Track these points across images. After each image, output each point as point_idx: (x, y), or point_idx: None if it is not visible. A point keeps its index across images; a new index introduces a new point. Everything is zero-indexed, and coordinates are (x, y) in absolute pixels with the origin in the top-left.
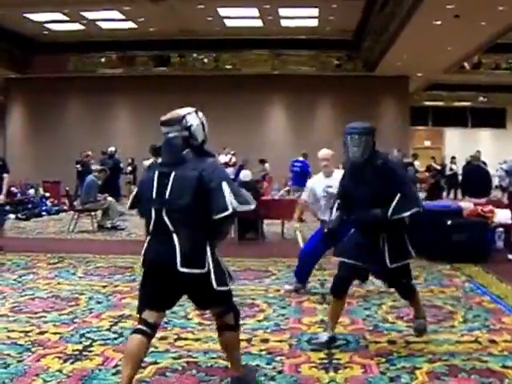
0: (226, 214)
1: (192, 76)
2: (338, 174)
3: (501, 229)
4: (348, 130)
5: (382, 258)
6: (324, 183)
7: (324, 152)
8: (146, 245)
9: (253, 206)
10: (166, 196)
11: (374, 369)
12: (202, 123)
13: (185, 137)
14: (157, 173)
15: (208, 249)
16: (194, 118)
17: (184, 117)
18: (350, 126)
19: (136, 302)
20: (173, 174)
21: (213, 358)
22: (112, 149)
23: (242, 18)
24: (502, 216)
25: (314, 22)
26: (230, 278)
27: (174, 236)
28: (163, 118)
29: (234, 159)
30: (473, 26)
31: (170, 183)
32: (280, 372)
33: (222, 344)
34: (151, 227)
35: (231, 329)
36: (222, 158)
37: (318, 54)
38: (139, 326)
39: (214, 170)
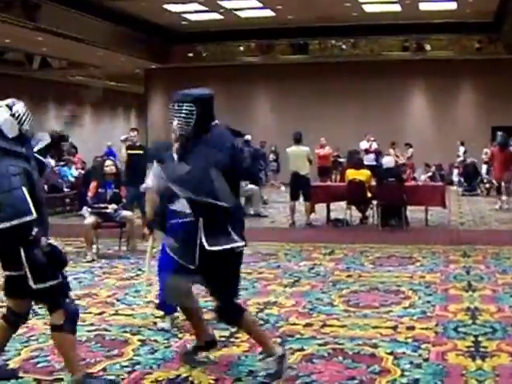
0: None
1: (330, 63)
2: None
3: None
4: None
5: None
6: None
7: None
8: None
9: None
10: None
11: None
12: (18, 117)
13: None
14: None
15: (22, 251)
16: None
17: None
18: None
19: (280, 289)
20: None
21: (359, 344)
22: (248, 137)
23: (380, 3)
24: None
25: (453, 5)
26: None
27: None
28: None
29: (374, 145)
30: None
31: None
32: (426, 360)
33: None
34: None
35: (57, 329)
36: (363, 145)
37: (458, 38)
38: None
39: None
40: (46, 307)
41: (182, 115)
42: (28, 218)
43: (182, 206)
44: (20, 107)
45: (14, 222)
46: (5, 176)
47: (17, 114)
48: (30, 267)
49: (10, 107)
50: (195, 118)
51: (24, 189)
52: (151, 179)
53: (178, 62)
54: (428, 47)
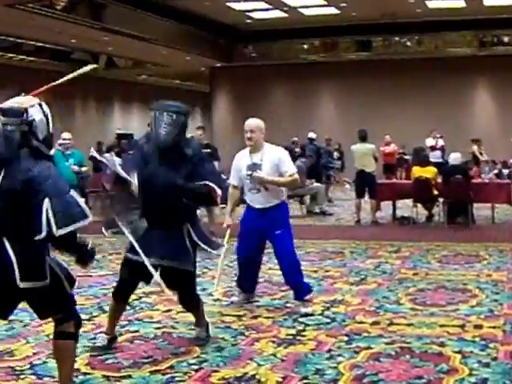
0: (40, 237)
1: (394, 59)
2: None
3: None
4: None
5: None
6: None
7: None
8: None
9: (82, 222)
10: None
11: None
12: (47, 117)
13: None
14: None
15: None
16: (37, 111)
17: (26, 110)
18: None
19: (346, 287)
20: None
21: (426, 343)
22: (312, 135)
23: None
24: None
25: None
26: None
27: (6, 244)
28: (2, 106)
29: (440, 142)
30: None
31: None
32: (494, 359)
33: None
34: None
35: (71, 337)
36: (429, 142)
37: None
38: None
39: (44, 181)
40: (61, 314)
41: (173, 125)
42: (86, 222)
43: None
44: (46, 106)
45: (71, 228)
46: (57, 177)
47: (46, 113)
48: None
49: (41, 106)
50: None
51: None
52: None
53: (243, 60)
54: (494, 43)
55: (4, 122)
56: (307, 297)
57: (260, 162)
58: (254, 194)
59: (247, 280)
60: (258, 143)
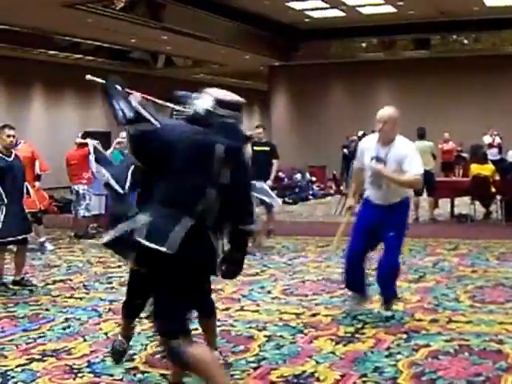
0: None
1: (452, 58)
2: None
3: None
4: None
5: None
6: None
7: None
8: None
9: None
10: None
11: None
12: None
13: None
14: None
15: None
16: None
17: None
18: None
19: (405, 285)
20: None
21: (485, 340)
22: (361, 132)
23: None
24: None
25: None
26: None
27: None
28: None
29: (497, 140)
30: None
31: None
32: None
33: None
34: None
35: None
36: (486, 139)
37: None
38: None
39: None
40: None
41: None
42: None
43: None
44: None
45: None
46: None
47: None
48: None
49: None
50: None
51: None
52: None
53: (301, 59)
54: None
55: (224, 114)
56: (392, 302)
57: (385, 156)
58: (374, 188)
59: (357, 277)
60: (389, 136)
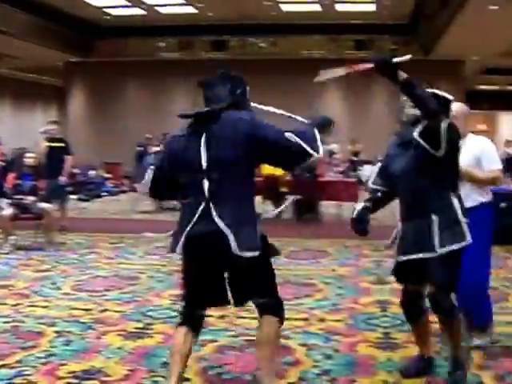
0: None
1: (250, 60)
2: None
3: None
4: None
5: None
6: None
7: None
8: None
9: None
10: None
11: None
12: None
13: None
14: None
15: None
16: None
17: None
18: None
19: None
20: None
21: None
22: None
23: (298, 3)
24: None
25: (372, 7)
26: None
27: None
28: None
29: None
30: None
31: None
32: (337, 351)
33: None
34: None
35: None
36: None
37: (373, 39)
38: None
39: None
40: None
41: None
42: None
43: None
44: None
45: None
46: None
47: None
48: None
49: None
50: None
51: None
52: None
53: (99, 56)
54: (344, 47)
55: None
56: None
57: None
58: None
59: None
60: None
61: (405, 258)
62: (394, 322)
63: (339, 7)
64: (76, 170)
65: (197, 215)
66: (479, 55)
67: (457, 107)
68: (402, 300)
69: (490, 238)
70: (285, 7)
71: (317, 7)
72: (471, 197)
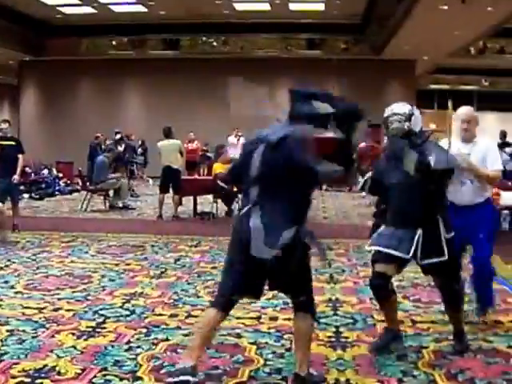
0: None
1: (201, 59)
2: None
3: (506, 211)
4: None
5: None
6: None
7: None
8: None
9: None
10: None
11: None
12: None
13: None
14: None
15: None
16: None
17: None
18: None
19: (146, 281)
20: None
21: (223, 335)
22: (118, 136)
23: (250, 2)
24: (507, 198)
25: (321, 6)
26: None
27: None
28: None
29: (242, 140)
30: (479, 11)
31: None
32: (288, 350)
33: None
34: None
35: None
36: (231, 139)
37: (325, 38)
38: None
39: None
40: None
41: None
42: None
43: None
44: None
45: None
46: None
47: None
48: None
49: None
50: None
51: None
52: None
53: (51, 54)
54: (296, 46)
55: None
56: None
57: (468, 152)
58: (458, 186)
59: None
60: (473, 134)
61: (386, 250)
62: (345, 321)
63: (292, 6)
64: (28, 169)
65: None
66: (429, 55)
67: (470, 112)
68: (374, 282)
69: (496, 228)
70: (238, 6)
71: (269, 6)
72: (479, 193)
